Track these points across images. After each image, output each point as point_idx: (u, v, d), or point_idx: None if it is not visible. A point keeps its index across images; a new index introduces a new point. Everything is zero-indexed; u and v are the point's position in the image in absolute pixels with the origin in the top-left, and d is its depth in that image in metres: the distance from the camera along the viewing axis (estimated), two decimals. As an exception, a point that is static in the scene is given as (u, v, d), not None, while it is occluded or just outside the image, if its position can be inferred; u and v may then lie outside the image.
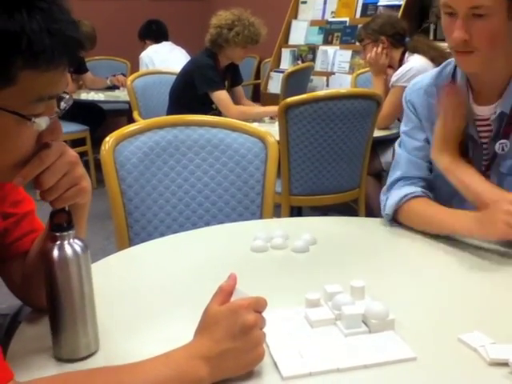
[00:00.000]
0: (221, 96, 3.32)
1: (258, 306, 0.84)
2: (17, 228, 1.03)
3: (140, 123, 1.71)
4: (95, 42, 4.85)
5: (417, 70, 2.93)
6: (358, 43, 3.55)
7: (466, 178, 1.32)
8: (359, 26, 3.45)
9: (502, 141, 1.33)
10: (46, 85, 0.76)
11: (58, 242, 0.85)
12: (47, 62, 0.72)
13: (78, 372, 0.78)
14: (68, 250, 0.85)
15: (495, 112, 1.33)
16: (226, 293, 0.86)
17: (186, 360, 0.79)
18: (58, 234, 0.85)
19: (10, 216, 1.02)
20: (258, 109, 3.57)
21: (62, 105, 0.83)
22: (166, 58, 4.68)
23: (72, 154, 0.86)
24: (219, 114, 3.42)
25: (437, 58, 2.99)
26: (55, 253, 0.84)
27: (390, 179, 1.50)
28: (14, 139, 0.77)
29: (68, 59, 0.76)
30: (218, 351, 0.80)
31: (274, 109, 3.33)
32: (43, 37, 0.71)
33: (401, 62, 3.15)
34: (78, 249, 0.86)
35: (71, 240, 0.86)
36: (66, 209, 0.87)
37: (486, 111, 1.36)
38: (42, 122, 0.78)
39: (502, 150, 1.33)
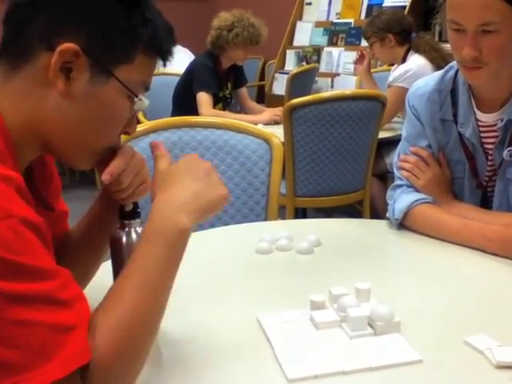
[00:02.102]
0: (202, 97, 3.30)
1: None
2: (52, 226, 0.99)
3: (145, 124, 1.71)
4: None
5: (414, 71, 2.94)
6: (364, 42, 3.54)
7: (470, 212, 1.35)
8: (364, 25, 3.44)
9: (510, 148, 1.32)
10: (148, 72, 0.87)
11: (126, 229, 0.93)
12: (157, 50, 0.86)
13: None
14: (134, 236, 0.92)
15: (502, 119, 1.33)
16: (167, 153, 0.90)
17: (170, 213, 0.82)
18: (126, 221, 0.93)
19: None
20: (236, 116, 3.22)
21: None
22: (170, 60, 4.68)
23: (140, 156, 0.94)
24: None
25: (437, 59, 2.99)
26: (124, 238, 0.92)
27: (395, 182, 1.49)
28: (117, 115, 0.86)
29: (164, 56, 0.88)
30: (189, 195, 0.84)
31: (258, 118, 3.26)
32: (162, 30, 0.85)
33: (404, 60, 3.15)
34: None
35: (137, 227, 0.93)
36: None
37: (490, 118, 1.35)
38: (145, 101, 0.88)
39: (510, 156, 1.32)
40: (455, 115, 1.39)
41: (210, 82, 3.34)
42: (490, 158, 1.37)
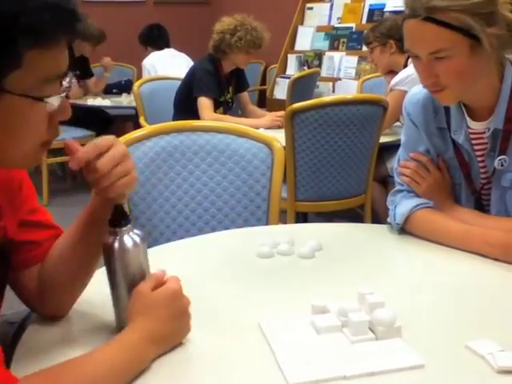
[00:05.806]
0: (202, 101, 3.30)
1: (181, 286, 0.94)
2: (35, 235, 1.01)
3: (146, 129, 1.71)
4: (104, 36, 4.94)
5: (416, 76, 2.93)
6: (364, 46, 3.55)
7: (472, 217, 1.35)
8: (365, 31, 3.45)
9: (500, 157, 1.32)
10: (50, 63, 0.77)
11: (118, 236, 0.91)
12: (47, 38, 0.74)
13: (37, 375, 0.78)
14: (125, 242, 0.91)
15: (489, 128, 1.33)
16: (159, 280, 0.92)
17: (138, 344, 0.85)
18: (116, 229, 0.91)
19: (28, 223, 1.01)
20: (237, 120, 3.19)
21: (65, 84, 0.83)
22: (168, 65, 4.68)
23: (123, 147, 0.90)
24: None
25: None
26: (115, 245, 0.91)
27: (396, 188, 1.49)
28: (29, 122, 0.79)
29: (67, 33, 0.78)
30: (163, 332, 0.88)
31: (259, 122, 3.23)
32: (41, 13, 0.73)
33: (406, 67, 3.15)
34: (138, 239, 0.92)
35: (130, 233, 0.92)
36: (123, 204, 0.93)
37: (479, 126, 1.35)
38: (55, 101, 0.80)
39: (502, 165, 1.32)
40: (448, 122, 1.40)
41: (210, 87, 3.35)
42: (481, 165, 1.37)
